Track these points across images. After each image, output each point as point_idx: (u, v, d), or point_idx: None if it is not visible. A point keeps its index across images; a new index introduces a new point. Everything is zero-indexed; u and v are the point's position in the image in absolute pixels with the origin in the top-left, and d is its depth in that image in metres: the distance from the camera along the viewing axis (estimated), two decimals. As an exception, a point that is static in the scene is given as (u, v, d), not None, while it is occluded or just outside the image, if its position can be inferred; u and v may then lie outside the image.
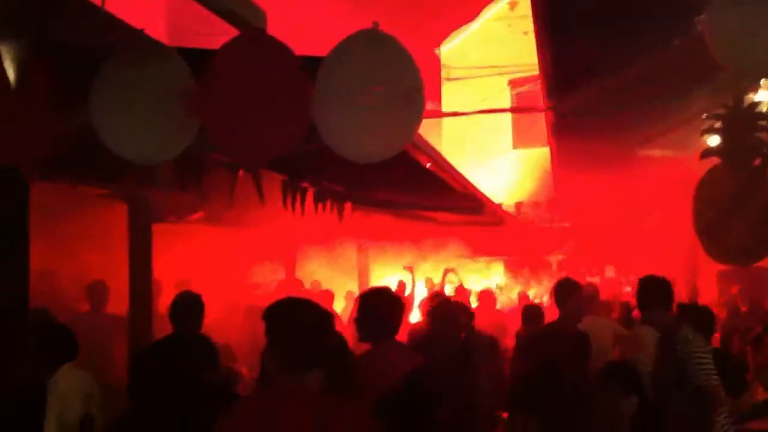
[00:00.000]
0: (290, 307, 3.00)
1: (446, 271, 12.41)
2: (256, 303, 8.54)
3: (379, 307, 4.55)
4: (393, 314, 4.58)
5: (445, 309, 6.75)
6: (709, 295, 12.25)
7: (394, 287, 10.41)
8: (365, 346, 4.67)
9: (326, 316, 3.00)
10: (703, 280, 12.79)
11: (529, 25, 6.43)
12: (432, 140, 6.12)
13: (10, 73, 1.99)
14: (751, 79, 5.72)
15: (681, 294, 11.14)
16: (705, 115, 6.68)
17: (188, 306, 5.62)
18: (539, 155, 17.01)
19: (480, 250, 15.16)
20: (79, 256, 7.15)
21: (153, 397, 4.31)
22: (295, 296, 3.15)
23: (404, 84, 3.06)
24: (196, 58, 3.14)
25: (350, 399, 3.22)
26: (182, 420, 4.12)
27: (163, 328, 5.86)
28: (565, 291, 6.50)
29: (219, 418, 2.88)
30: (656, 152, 8.63)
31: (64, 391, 4.42)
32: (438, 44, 21.17)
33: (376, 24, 3.06)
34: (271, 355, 2.90)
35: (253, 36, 3.10)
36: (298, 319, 2.92)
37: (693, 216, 6.83)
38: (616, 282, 13.72)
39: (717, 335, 8.01)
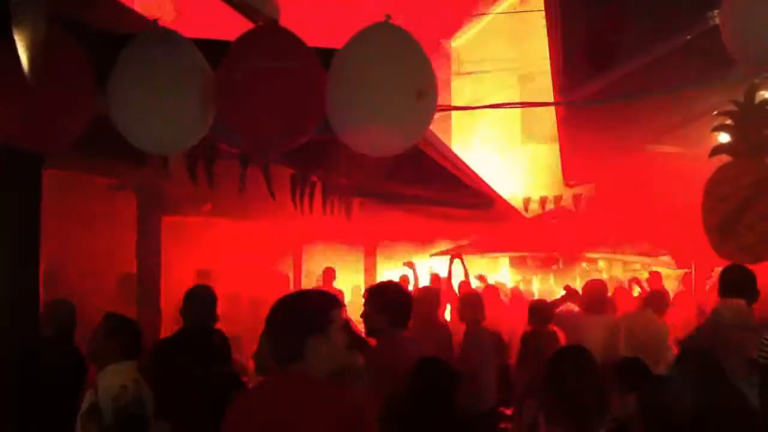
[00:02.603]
0: (289, 299, 3.02)
1: (452, 258, 12.19)
2: (259, 295, 8.56)
3: (388, 301, 4.55)
4: (402, 308, 4.59)
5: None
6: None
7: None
8: (373, 341, 4.68)
9: (324, 307, 2.95)
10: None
11: (542, 19, 6.40)
12: (441, 135, 6.10)
13: (26, 56, 1.99)
14: (765, 74, 5.69)
15: (689, 291, 11.13)
16: (716, 111, 6.66)
17: (202, 299, 5.59)
18: (548, 151, 16.98)
19: (488, 245, 15.03)
20: (88, 246, 7.17)
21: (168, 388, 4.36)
22: (302, 290, 3.18)
23: (417, 78, 3.06)
24: (208, 50, 3.14)
25: (354, 387, 3.24)
26: (195, 411, 4.15)
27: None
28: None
29: (228, 407, 2.92)
30: (666, 148, 8.60)
31: (103, 384, 4.43)
32: (449, 37, 21.09)
33: (388, 17, 3.05)
34: (268, 346, 2.93)
35: (268, 28, 3.10)
36: (290, 311, 2.93)
37: (702, 213, 6.81)
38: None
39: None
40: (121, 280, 7.42)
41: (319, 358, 2.85)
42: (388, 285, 4.92)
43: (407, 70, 3.02)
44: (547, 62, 7.04)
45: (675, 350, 6.94)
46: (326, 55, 3.03)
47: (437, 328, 7.13)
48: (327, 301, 3.01)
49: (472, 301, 7.28)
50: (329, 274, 12.02)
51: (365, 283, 12.42)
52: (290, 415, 2.75)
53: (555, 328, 7.56)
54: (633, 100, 5.96)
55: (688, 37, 5.29)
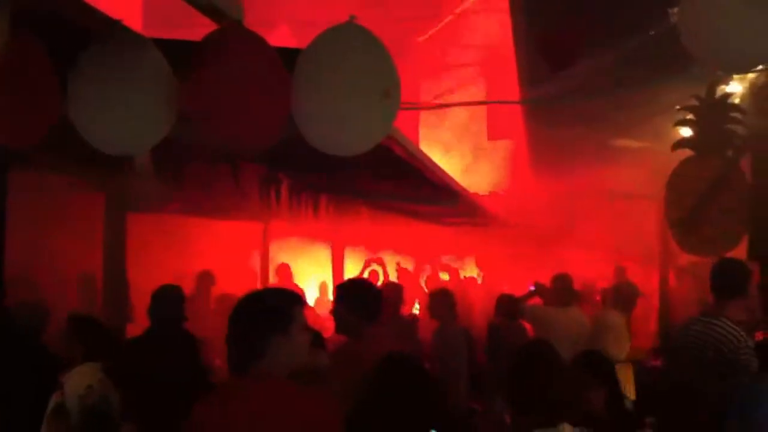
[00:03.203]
0: (250, 297, 3.00)
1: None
2: (226, 293, 8.51)
3: (359, 297, 4.52)
4: (373, 304, 4.57)
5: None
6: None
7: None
8: (341, 338, 4.65)
9: (285, 305, 2.94)
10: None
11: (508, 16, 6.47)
12: (408, 131, 6.12)
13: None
14: (723, 72, 5.79)
15: (653, 285, 11.25)
16: (678, 106, 6.75)
17: (169, 299, 5.54)
18: (514, 147, 17.10)
19: (454, 244, 15.14)
20: (54, 245, 7.08)
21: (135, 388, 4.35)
22: (261, 288, 3.14)
23: (380, 78, 3.07)
24: (174, 50, 3.13)
25: (315, 387, 3.23)
26: (162, 412, 4.14)
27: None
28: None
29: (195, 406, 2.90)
30: (630, 143, 8.71)
31: (69, 385, 4.40)
32: (422, 33, 21.09)
33: (352, 17, 3.07)
34: (230, 345, 2.92)
35: (231, 29, 3.09)
36: (251, 309, 2.92)
37: (665, 207, 6.91)
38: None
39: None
40: (86, 279, 7.34)
41: (281, 357, 2.84)
42: (358, 281, 4.92)
43: (371, 70, 3.05)
44: (513, 57, 7.11)
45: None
46: (291, 55, 3.03)
47: (401, 323, 7.17)
48: (289, 298, 2.99)
49: (441, 297, 7.30)
50: (284, 270, 11.93)
51: (333, 278, 12.41)
52: (254, 415, 2.74)
53: (524, 323, 7.63)
54: (596, 98, 6.04)
55: (652, 32, 5.37)
